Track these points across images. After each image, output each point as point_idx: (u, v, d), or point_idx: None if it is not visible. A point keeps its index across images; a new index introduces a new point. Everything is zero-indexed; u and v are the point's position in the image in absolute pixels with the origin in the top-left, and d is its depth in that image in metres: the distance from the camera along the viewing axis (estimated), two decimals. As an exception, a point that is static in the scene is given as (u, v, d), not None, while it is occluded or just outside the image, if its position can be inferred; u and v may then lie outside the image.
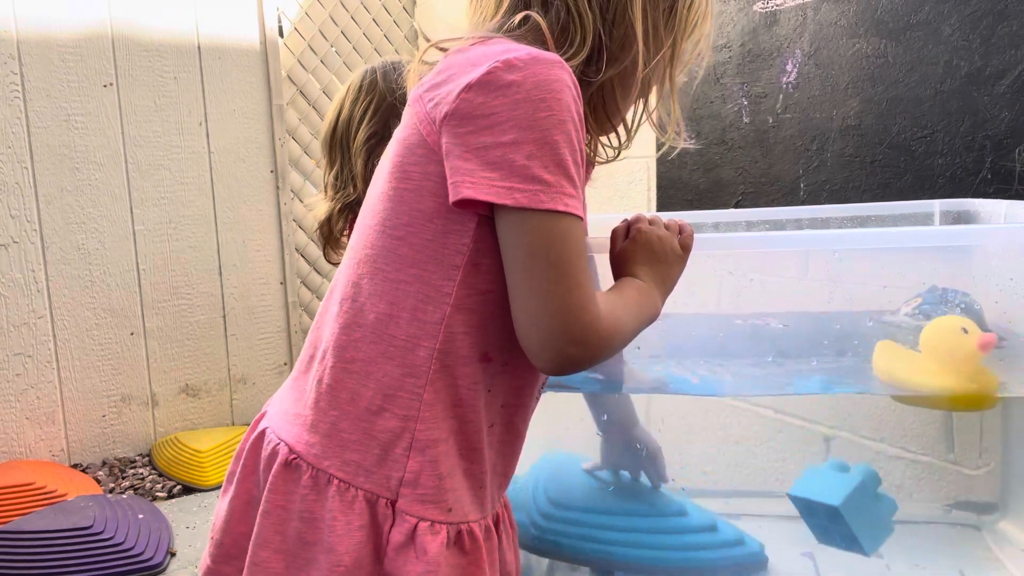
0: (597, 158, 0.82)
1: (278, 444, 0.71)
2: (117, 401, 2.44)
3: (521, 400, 0.74)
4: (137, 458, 2.44)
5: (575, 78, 0.65)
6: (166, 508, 2.10)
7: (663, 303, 0.76)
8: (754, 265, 1.12)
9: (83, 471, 2.31)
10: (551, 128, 0.61)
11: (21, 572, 1.68)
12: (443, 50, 0.73)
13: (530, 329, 0.63)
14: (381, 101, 1.28)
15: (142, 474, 2.32)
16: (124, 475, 2.32)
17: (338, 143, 1.32)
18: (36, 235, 2.27)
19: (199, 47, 2.51)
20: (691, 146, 0.88)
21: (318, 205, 1.35)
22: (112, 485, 2.24)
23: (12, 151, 2.22)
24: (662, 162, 1.93)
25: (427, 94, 0.66)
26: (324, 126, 1.36)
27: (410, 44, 2.99)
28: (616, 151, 0.81)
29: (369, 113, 1.28)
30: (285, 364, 2.76)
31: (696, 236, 0.82)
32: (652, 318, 0.74)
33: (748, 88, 1.73)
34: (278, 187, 2.69)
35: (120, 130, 2.39)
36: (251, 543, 0.70)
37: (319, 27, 2.78)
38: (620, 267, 0.77)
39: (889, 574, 1.25)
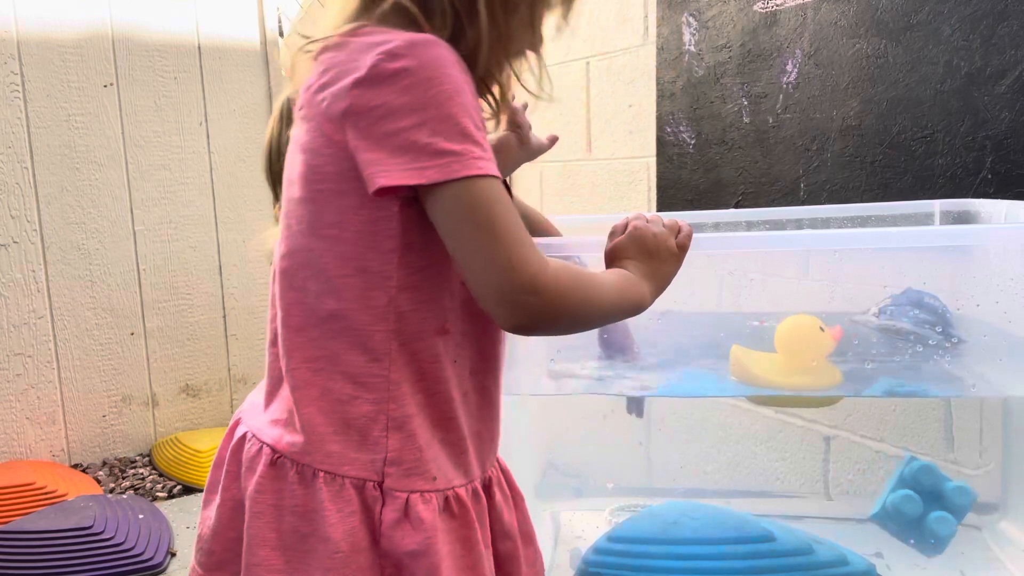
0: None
1: (261, 447, 0.72)
2: (117, 401, 2.44)
3: (489, 364, 0.76)
4: (137, 458, 2.44)
5: (454, 51, 0.66)
6: (166, 508, 2.10)
7: (653, 298, 0.77)
8: (754, 265, 1.12)
9: (83, 471, 2.31)
10: (444, 102, 0.63)
11: (21, 572, 1.68)
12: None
13: (482, 290, 0.65)
14: None
15: (142, 474, 2.32)
16: (124, 475, 2.32)
17: (275, 176, 1.33)
18: (36, 235, 2.27)
19: (199, 47, 2.51)
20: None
21: (269, 239, 1.35)
22: (112, 485, 2.24)
23: (12, 151, 2.22)
24: (662, 162, 1.93)
25: (317, 96, 0.68)
26: (262, 162, 1.37)
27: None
28: (495, 115, 0.81)
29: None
30: (285, 364, 2.76)
31: (696, 236, 0.83)
32: (636, 306, 0.75)
33: (748, 88, 1.73)
34: (278, 187, 2.69)
35: (120, 130, 2.39)
36: (246, 545, 0.70)
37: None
38: (611, 260, 0.79)
39: (889, 574, 1.25)
